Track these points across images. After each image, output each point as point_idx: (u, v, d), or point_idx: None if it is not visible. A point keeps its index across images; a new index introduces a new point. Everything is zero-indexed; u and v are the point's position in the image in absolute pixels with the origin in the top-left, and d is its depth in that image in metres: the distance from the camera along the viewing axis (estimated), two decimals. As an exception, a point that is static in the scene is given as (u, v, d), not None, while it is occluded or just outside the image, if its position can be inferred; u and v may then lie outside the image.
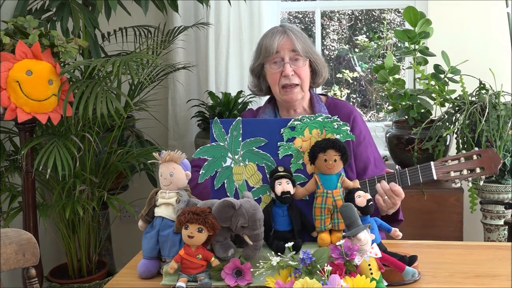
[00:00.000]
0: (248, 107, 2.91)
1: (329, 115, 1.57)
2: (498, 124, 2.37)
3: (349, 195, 1.47)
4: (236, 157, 1.58)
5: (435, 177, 1.79)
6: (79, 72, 2.49)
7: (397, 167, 1.84)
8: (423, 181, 1.81)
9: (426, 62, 2.76)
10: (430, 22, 2.70)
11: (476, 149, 1.83)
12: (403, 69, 3.69)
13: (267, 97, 2.17)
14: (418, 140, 2.56)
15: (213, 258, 1.40)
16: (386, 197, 1.76)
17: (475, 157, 1.78)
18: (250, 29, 3.08)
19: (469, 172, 1.77)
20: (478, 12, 3.04)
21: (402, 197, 1.77)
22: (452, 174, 1.78)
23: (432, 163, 1.80)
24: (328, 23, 5.01)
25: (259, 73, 2.05)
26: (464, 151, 1.84)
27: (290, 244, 1.39)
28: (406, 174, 1.82)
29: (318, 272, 1.29)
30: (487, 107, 2.39)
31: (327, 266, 1.29)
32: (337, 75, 4.72)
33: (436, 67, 2.70)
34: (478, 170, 1.77)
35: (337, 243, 1.33)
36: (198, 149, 1.58)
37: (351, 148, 1.96)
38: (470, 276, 1.45)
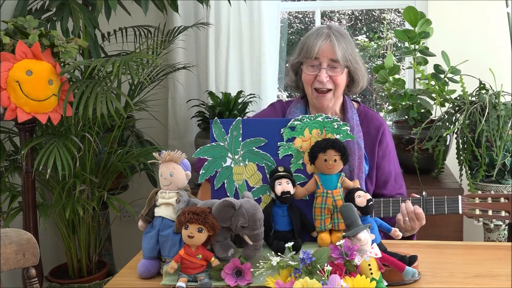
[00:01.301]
0: (248, 107, 2.91)
1: (329, 116, 1.57)
2: (498, 124, 2.36)
3: (349, 195, 1.47)
4: (236, 157, 1.58)
5: (460, 212, 1.79)
6: (79, 72, 2.49)
7: (424, 193, 1.84)
8: (448, 212, 1.80)
9: (426, 62, 2.76)
10: (430, 22, 2.70)
11: (505, 192, 1.82)
12: (403, 69, 3.69)
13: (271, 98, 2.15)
14: (418, 140, 2.56)
15: (213, 258, 1.40)
16: (407, 218, 1.77)
17: (502, 199, 1.77)
18: (250, 29, 3.08)
19: (494, 213, 1.77)
20: (478, 12, 3.04)
21: (422, 223, 1.78)
22: (477, 212, 1.78)
23: (460, 197, 1.80)
24: (328, 23, 5.01)
25: (297, 69, 2.01)
26: (493, 192, 1.84)
27: (290, 244, 1.39)
28: (432, 203, 1.81)
29: (318, 272, 1.29)
30: (487, 107, 2.39)
31: (327, 266, 1.29)
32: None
33: (436, 67, 2.70)
34: (503, 213, 1.76)
35: (337, 243, 1.33)
36: (198, 149, 1.58)
37: (375, 160, 1.96)
38: (470, 276, 1.45)
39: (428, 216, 1.81)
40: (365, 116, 2.01)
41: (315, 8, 3.38)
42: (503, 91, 2.46)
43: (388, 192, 1.95)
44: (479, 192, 2.13)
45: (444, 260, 1.56)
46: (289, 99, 2.09)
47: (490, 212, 1.77)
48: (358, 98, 4.89)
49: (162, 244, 1.48)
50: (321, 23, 3.52)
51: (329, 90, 1.93)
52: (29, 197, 2.29)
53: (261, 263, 1.35)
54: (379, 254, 1.33)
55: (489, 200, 1.78)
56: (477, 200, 1.79)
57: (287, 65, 2.08)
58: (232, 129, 1.58)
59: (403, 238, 1.79)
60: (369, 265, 1.32)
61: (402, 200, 1.81)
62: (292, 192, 1.50)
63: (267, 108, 2.13)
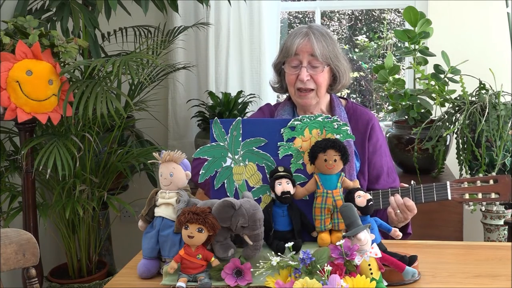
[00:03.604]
0: (248, 107, 2.91)
1: (329, 115, 1.57)
2: (498, 124, 2.36)
3: (349, 195, 1.47)
4: (236, 157, 1.58)
5: (449, 198, 1.77)
6: (79, 72, 2.49)
7: (412, 182, 1.83)
8: (437, 200, 1.78)
9: (426, 62, 2.76)
10: (430, 22, 2.70)
11: (494, 174, 1.81)
12: (403, 69, 3.69)
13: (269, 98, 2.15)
14: (418, 140, 2.56)
15: (213, 258, 1.40)
16: (398, 211, 1.76)
17: (491, 181, 1.75)
18: (250, 29, 3.08)
19: (484, 196, 1.76)
20: (478, 12, 3.04)
21: (414, 212, 1.77)
22: (467, 196, 1.76)
23: (448, 183, 1.78)
24: (328, 23, 5.02)
25: (280, 70, 2.02)
26: (481, 175, 1.82)
27: (290, 244, 1.39)
28: (421, 191, 1.79)
29: (318, 272, 1.29)
30: (487, 107, 2.39)
31: (327, 266, 1.29)
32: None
33: (436, 67, 2.70)
34: (493, 195, 1.75)
35: (337, 243, 1.33)
36: (198, 149, 1.58)
37: (366, 156, 1.96)
38: (470, 276, 1.45)
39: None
40: (353, 112, 2.01)
41: (315, 8, 3.38)
42: (503, 91, 2.46)
43: (381, 186, 1.95)
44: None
45: (444, 260, 1.56)
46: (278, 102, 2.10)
47: (480, 195, 1.75)
48: (358, 98, 4.90)
49: (162, 244, 1.48)
50: (321, 23, 3.52)
51: (312, 90, 1.93)
52: (29, 197, 2.29)
53: (261, 263, 1.35)
54: (379, 254, 1.33)
55: (478, 183, 1.77)
56: (466, 185, 1.78)
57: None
58: (232, 129, 1.58)
59: (399, 229, 1.79)
60: (369, 265, 1.32)
61: (391, 192, 1.80)
62: (292, 192, 1.50)
63: (256, 112, 2.14)
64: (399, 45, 4.45)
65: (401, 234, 1.53)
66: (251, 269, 1.37)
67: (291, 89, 1.97)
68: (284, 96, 2.17)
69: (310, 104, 1.96)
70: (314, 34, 1.92)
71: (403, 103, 2.70)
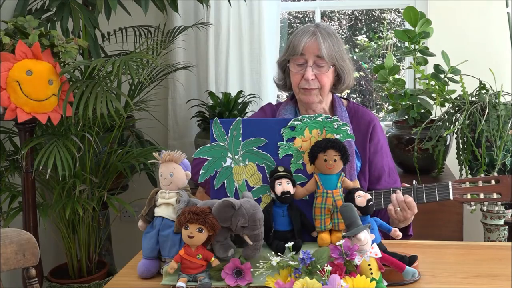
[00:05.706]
0: (248, 107, 2.91)
1: (329, 115, 1.57)
2: (498, 124, 2.36)
3: (349, 195, 1.47)
4: (236, 157, 1.58)
5: (451, 197, 1.77)
6: (79, 72, 2.49)
7: (414, 182, 1.83)
8: (439, 199, 1.78)
9: (426, 62, 2.76)
10: (430, 22, 2.70)
11: (496, 174, 1.81)
12: (403, 69, 3.69)
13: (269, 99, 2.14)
14: (418, 140, 2.56)
15: (213, 258, 1.40)
16: (398, 208, 1.76)
17: (493, 182, 1.75)
18: (250, 29, 3.08)
19: (485, 196, 1.76)
20: (478, 12, 3.04)
21: (414, 211, 1.77)
22: (469, 196, 1.76)
23: (450, 182, 1.78)
24: (328, 23, 5.01)
25: (284, 67, 2.02)
26: (483, 175, 1.82)
27: (290, 244, 1.39)
28: (423, 191, 1.79)
29: (318, 272, 1.29)
30: (487, 107, 2.39)
31: (327, 266, 1.29)
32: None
33: (436, 67, 2.70)
34: (495, 195, 1.74)
35: (337, 243, 1.33)
36: (198, 149, 1.58)
37: (367, 156, 1.96)
38: (470, 276, 1.45)
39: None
40: (355, 112, 2.01)
41: (315, 8, 3.38)
42: (503, 91, 2.46)
43: (382, 187, 1.95)
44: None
45: (444, 260, 1.56)
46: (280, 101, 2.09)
47: (481, 195, 1.75)
48: (358, 98, 4.89)
49: (162, 244, 1.48)
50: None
51: (315, 88, 1.93)
52: (29, 197, 2.29)
53: (261, 263, 1.35)
54: (379, 254, 1.33)
55: (480, 183, 1.77)
56: (467, 185, 1.78)
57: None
58: (232, 129, 1.58)
59: (400, 230, 1.79)
60: (369, 265, 1.32)
61: (392, 191, 1.81)
62: (292, 192, 1.50)
63: (258, 111, 2.14)
64: (399, 45, 4.45)
65: (401, 234, 1.52)
66: (251, 269, 1.37)
67: (295, 88, 1.97)
68: (285, 95, 2.16)
69: (313, 101, 1.96)
70: (321, 34, 1.91)
71: (403, 103, 2.70)
